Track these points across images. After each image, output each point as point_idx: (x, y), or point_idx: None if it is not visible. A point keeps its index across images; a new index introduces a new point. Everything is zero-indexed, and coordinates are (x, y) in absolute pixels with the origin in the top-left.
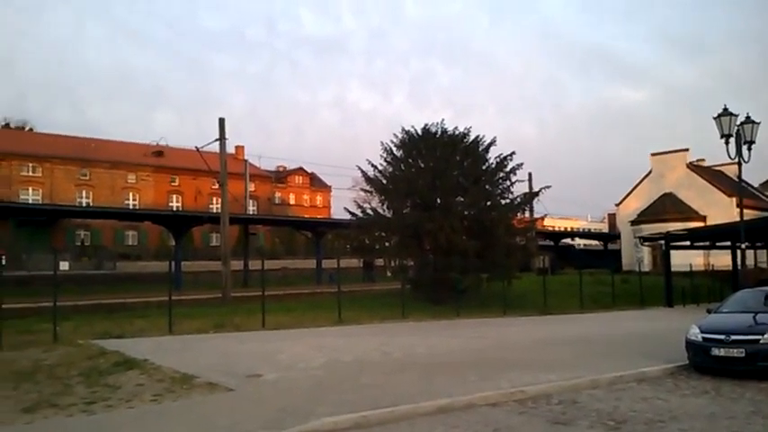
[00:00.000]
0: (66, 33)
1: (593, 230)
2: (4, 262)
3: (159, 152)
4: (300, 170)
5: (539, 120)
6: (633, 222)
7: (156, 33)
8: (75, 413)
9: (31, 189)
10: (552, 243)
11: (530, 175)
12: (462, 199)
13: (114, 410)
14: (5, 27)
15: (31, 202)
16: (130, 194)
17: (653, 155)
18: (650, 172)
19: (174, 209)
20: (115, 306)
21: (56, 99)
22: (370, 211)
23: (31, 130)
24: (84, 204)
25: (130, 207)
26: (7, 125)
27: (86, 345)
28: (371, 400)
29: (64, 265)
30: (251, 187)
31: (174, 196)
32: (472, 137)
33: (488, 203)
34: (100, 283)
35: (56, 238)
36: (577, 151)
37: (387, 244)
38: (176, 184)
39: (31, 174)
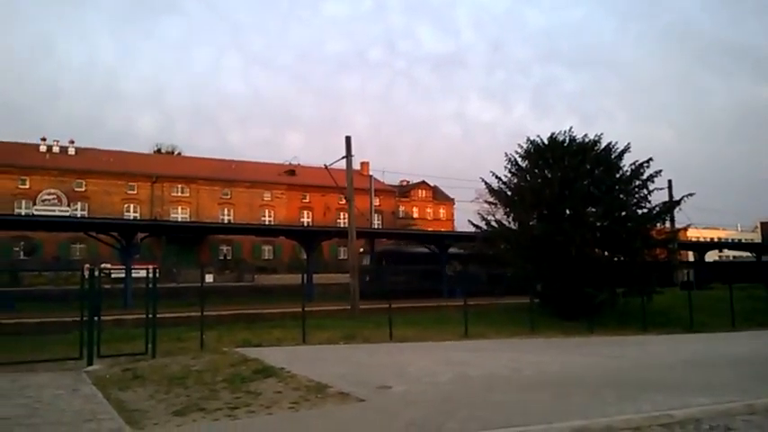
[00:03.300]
0: (209, 65)
1: (743, 241)
2: (158, 275)
3: (292, 171)
4: (423, 184)
5: (676, 125)
6: None
7: (286, 61)
8: (220, 417)
9: (180, 208)
10: (697, 255)
11: (669, 182)
12: (594, 209)
13: (256, 416)
14: (157, 63)
15: (180, 220)
16: (266, 211)
17: None
18: None
19: (305, 224)
20: (253, 316)
21: (200, 125)
22: (494, 224)
23: (179, 154)
24: (226, 221)
25: (266, 223)
26: (159, 150)
27: (229, 352)
28: (502, 417)
29: (209, 278)
30: (376, 202)
31: (305, 212)
32: (603, 144)
33: (623, 213)
34: (240, 295)
35: (202, 252)
36: (724, 156)
37: (513, 257)
38: (307, 200)
39: (180, 194)
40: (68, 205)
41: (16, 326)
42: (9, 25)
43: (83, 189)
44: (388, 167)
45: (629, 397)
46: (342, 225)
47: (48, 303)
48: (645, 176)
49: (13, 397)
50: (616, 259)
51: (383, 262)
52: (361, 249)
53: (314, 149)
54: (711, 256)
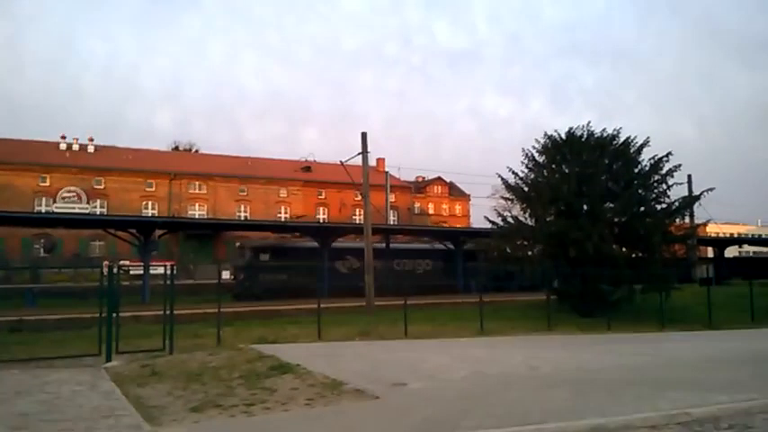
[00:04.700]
0: (226, 62)
1: (764, 236)
2: (175, 272)
3: (307, 167)
4: (439, 179)
5: (698, 119)
6: None
7: (302, 57)
8: (236, 414)
9: (197, 205)
10: (717, 250)
11: (689, 177)
12: (612, 205)
13: (272, 413)
14: (174, 61)
15: (197, 217)
16: (282, 208)
17: None
18: None
19: (321, 220)
20: (269, 312)
21: (217, 122)
22: (511, 220)
23: (197, 151)
24: (242, 218)
25: (282, 220)
26: (177, 148)
27: (246, 349)
28: (519, 415)
29: (225, 275)
30: (391, 198)
31: (321, 208)
32: (622, 138)
33: (642, 209)
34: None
35: (219, 249)
36: (745, 151)
37: (530, 253)
38: (323, 196)
39: (197, 191)
40: (88, 203)
41: (37, 322)
42: (32, 25)
43: (102, 187)
44: (404, 163)
45: (646, 395)
46: (357, 221)
47: (68, 300)
48: (664, 171)
49: (33, 393)
50: (634, 255)
51: (264, 258)
52: (238, 243)
53: (330, 145)
54: (731, 251)
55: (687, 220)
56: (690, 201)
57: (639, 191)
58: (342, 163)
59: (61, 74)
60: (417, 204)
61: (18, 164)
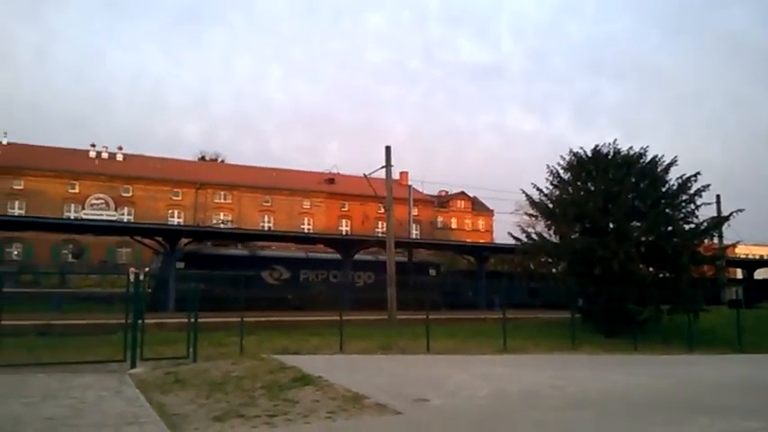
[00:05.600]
0: (252, 75)
1: None
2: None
3: (331, 179)
4: (462, 194)
5: (723, 138)
6: None
7: (327, 70)
8: (258, 425)
9: (222, 214)
10: (746, 272)
11: (718, 197)
12: (638, 224)
13: (293, 425)
14: (202, 73)
15: (222, 226)
16: (306, 219)
17: None
18: None
19: (344, 233)
20: (291, 323)
21: (243, 133)
22: (534, 236)
23: (222, 161)
24: (266, 228)
25: (306, 231)
26: (203, 158)
27: (268, 359)
28: None
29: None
30: (414, 212)
31: (344, 221)
32: (649, 157)
33: (669, 229)
34: (280, 302)
35: None
36: None
37: (554, 270)
38: (346, 209)
39: (222, 201)
40: (115, 210)
41: (64, 327)
42: (64, 37)
43: (129, 194)
44: (427, 177)
45: (675, 419)
46: (380, 234)
47: (94, 305)
48: (692, 191)
49: (59, 397)
50: (661, 275)
51: (180, 266)
52: (153, 250)
53: (353, 158)
54: (761, 273)
55: (716, 240)
56: (719, 221)
57: (667, 210)
58: (365, 176)
59: (91, 84)
60: (440, 219)
61: (48, 171)
